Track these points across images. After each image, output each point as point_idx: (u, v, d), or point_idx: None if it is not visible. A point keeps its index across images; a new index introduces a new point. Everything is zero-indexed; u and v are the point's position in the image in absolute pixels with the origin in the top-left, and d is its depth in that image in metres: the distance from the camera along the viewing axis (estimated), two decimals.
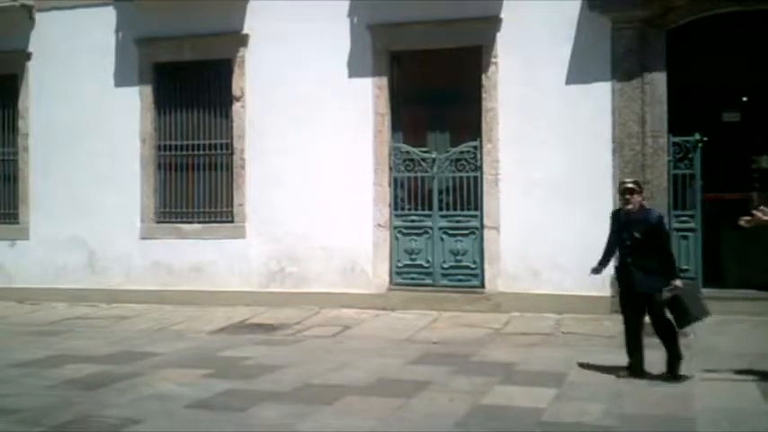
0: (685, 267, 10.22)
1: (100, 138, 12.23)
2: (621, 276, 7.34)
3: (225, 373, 7.73)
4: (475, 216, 10.92)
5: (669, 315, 7.16)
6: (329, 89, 11.25)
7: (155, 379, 7.49)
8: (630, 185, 7.22)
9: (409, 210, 11.25)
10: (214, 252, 11.81)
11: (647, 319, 7.26)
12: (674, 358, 7.12)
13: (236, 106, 11.81)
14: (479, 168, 10.86)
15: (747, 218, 6.99)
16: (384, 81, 11.18)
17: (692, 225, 10.12)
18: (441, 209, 11.08)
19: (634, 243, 7.14)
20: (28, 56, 12.68)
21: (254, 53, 11.68)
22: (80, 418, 6.28)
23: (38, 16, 12.63)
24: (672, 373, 7.09)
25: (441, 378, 7.34)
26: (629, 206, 7.18)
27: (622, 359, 7.44)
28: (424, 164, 11.14)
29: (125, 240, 12.15)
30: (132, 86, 12.19)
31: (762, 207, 6.95)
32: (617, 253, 7.39)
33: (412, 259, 11.16)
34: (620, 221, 7.27)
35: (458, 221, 11.00)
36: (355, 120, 11.18)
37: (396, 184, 11.27)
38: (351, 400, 6.68)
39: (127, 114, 12.14)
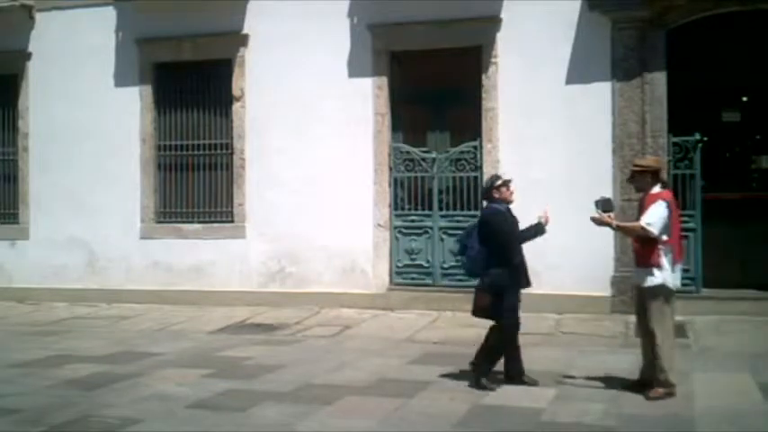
0: (685, 267, 10.21)
1: (100, 138, 12.23)
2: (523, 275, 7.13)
3: (225, 373, 7.73)
4: (475, 216, 10.82)
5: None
6: (329, 89, 11.25)
7: (155, 379, 7.49)
8: None
9: (409, 210, 11.25)
10: (214, 252, 11.81)
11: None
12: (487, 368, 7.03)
13: (236, 106, 11.81)
14: (479, 168, 10.86)
15: (595, 215, 6.73)
16: (384, 81, 11.17)
17: (691, 225, 10.11)
18: (441, 209, 11.08)
19: None
20: (28, 56, 12.68)
21: (254, 53, 11.68)
22: (80, 418, 6.29)
23: (38, 16, 12.63)
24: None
25: (441, 378, 7.34)
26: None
27: (623, 359, 7.45)
28: (424, 164, 11.14)
29: (125, 240, 12.15)
30: (132, 86, 12.19)
31: (599, 212, 6.71)
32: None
33: (412, 259, 11.16)
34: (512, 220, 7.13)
35: (458, 221, 10.98)
36: (355, 120, 11.18)
37: (396, 184, 11.26)
38: (351, 400, 6.68)
39: (127, 114, 12.14)
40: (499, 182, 7.13)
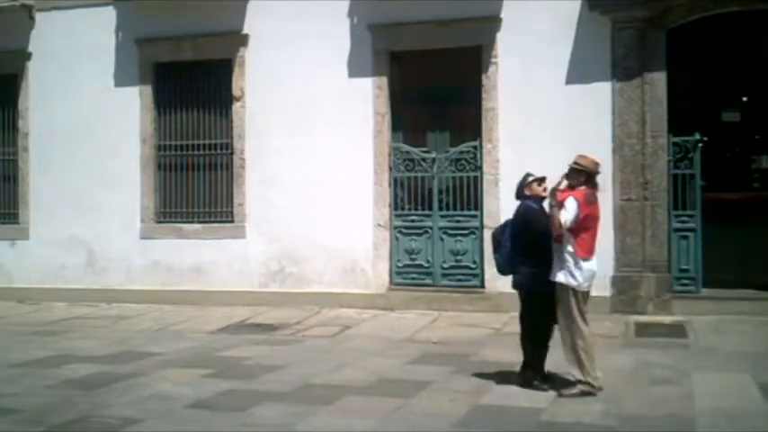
0: (685, 267, 10.23)
1: (100, 137, 12.23)
2: None
3: (225, 373, 7.73)
4: (475, 216, 10.92)
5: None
6: (329, 89, 11.25)
7: (155, 379, 7.49)
8: None
9: (409, 210, 11.25)
10: (214, 252, 11.81)
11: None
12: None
13: (236, 106, 11.81)
14: (479, 168, 10.86)
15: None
16: (384, 81, 11.17)
17: (692, 225, 10.12)
18: (441, 209, 11.08)
19: None
20: (28, 56, 12.68)
21: (254, 53, 11.68)
22: (80, 418, 6.30)
23: (38, 16, 12.63)
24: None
25: (441, 378, 7.34)
26: None
27: (622, 359, 7.43)
28: (424, 164, 11.14)
29: (125, 240, 12.15)
30: (132, 86, 12.19)
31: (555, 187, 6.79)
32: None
33: (412, 259, 11.16)
34: None
35: (458, 221, 11.00)
36: (355, 120, 11.18)
37: (396, 184, 11.26)
38: (351, 400, 6.68)
39: (127, 114, 12.15)
40: (530, 179, 7.14)
